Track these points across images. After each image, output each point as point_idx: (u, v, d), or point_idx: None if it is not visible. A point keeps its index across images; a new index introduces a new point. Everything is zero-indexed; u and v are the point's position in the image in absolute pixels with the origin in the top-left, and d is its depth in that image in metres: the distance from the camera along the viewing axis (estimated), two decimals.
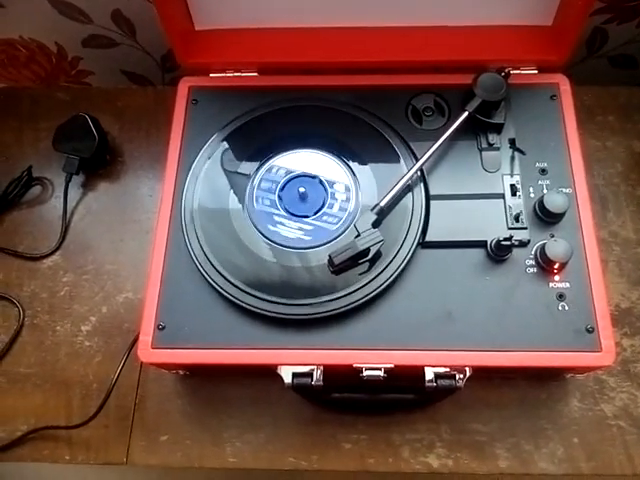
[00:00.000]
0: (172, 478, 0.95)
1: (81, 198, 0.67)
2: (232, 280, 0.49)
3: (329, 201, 0.52)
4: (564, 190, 0.52)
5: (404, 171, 0.51)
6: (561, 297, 0.48)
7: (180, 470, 0.54)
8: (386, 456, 0.54)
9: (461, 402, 0.54)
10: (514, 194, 0.52)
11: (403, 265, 0.49)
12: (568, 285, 0.49)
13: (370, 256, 0.48)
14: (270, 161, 0.54)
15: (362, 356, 0.47)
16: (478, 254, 0.50)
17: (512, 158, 0.53)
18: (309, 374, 0.48)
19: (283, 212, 0.52)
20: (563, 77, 0.57)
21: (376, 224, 0.49)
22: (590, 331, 0.47)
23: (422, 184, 0.52)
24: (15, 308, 0.62)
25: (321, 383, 0.48)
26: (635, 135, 0.66)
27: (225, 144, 0.55)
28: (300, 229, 0.51)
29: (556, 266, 0.48)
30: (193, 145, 0.55)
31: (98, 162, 0.68)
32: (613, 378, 0.56)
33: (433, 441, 0.54)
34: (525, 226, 0.50)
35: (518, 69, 0.57)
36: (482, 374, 0.49)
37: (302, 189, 0.52)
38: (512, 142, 0.54)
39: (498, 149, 0.54)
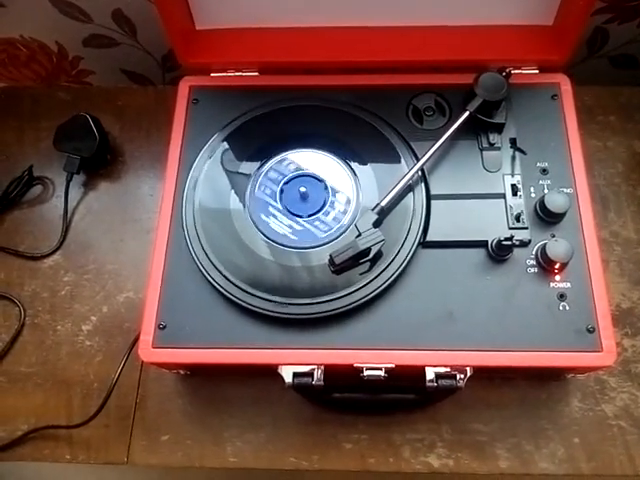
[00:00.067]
0: (173, 478, 0.95)
1: (82, 198, 0.67)
2: (233, 280, 0.49)
3: (326, 208, 0.52)
4: (565, 190, 0.52)
5: (405, 171, 0.51)
6: (562, 297, 0.48)
7: (181, 470, 0.54)
8: (387, 456, 0.54)
9: (462, 402, 0.54)
10: (515, 194, 0.52)
11: (404, 265, 0.49)
12: (569, 285, 0.49)
13: (371, 256, 0.48)
14: (273, 158, 0.54)
15: (363, 356, 0.47)
16: (479, 254, 0.50)
17: (513, 158, 0.53)
18: (310, 374, 0.48)
19: (279, 206, 0.52)
20: (564, 77, 0.57)
21: (377, 224, 0.49)
22: (591, 331, 0.47)
23: (423, 184, 0.52)
24: (16, 307, 0.62)
25: (322, 383, 0.47)
26: (636, 135, 0.66)
27: (226, 144, 0.55)
28: (290, 227, 0.51)
29: (557, 266, 0.48)
30: (194, 145, 0.55)
31: (99, 162, 0.68)
32: (614, 378, 0.56)
33: (434, 441, 0.54)
34: (526, 226, 0.50)
35: (519, 69, 0.57)
36: (483, 374, 0.49)
37: (303, 189, 0.52)
38: (513, 142, 0.54)
39: (499, 149, 0.54)
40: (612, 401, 0.55)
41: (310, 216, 0.52)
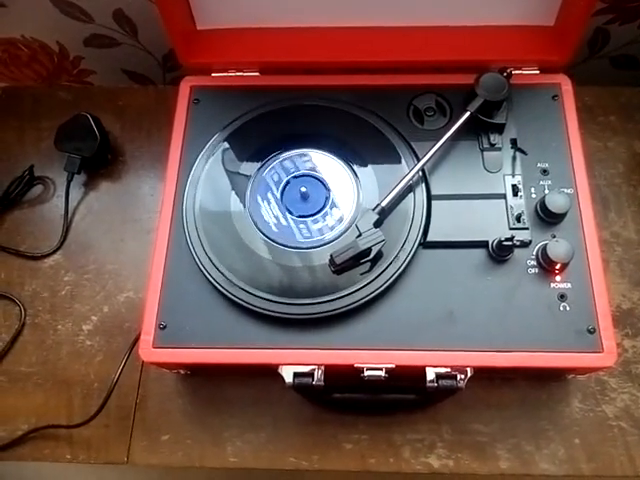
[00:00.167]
0: (173, 478, 0.95)
1: (82, 197, 0.67)
2: (233, 279, 0.49)
3: (317, 217, 0.52)
4: (565, 190, 0.52)
5: (405, 171, 0.51)
6: (562, 297, 0.48)
7: (181, 470, 0.54)
8: (387, 456, 0.54)
9: (462, 402, 0.54)
10: (515, 194, 0.51)
11: (404, 265, 0.49)
12: (569, 285, 0.49)
13: (371, 256, 0.48)
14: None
15: (363, 356, 0.47)
16: (479, 254, 0.50)
17: (514, 158, 0.53)
18: (310, 374, 0.48)
19: (279, 195, 0.52)
20: (565, 77, 0.57)
21: (377, 224, 0.49)
22: (591, 332, 0.47)
23: (423, 184, 0.52)
24: (16, 307, 0.62)
25: (322, 383, 0.47)
26: (636, 135, 0.66)
27: (226, 144, 0.55)
28: (276, 218, 0.51)
29: (557, 266, 0.48)
30: (194, 145, 0.55)
31: (99, 161, 0.68)
32: (614, 379, 0.56)
33: (434, 441, 0.54)
34: (526, 226, 0.50)
35: (520, 69, 0.57)
36: (483, 374, 0.49)
37: (304, 189, 0.52)
38: (514, 142, 0.54)
39: (500, 149, 0.53)
40: (612, 402, 0.55)
41: (300, 217, 0.52)
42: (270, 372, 0.49)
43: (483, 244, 0.50)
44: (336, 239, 0.51)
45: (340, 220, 0.51)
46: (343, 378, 0.48)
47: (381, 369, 0.47)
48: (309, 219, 0.52)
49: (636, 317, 0.58)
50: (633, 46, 0.73)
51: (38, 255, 0.64)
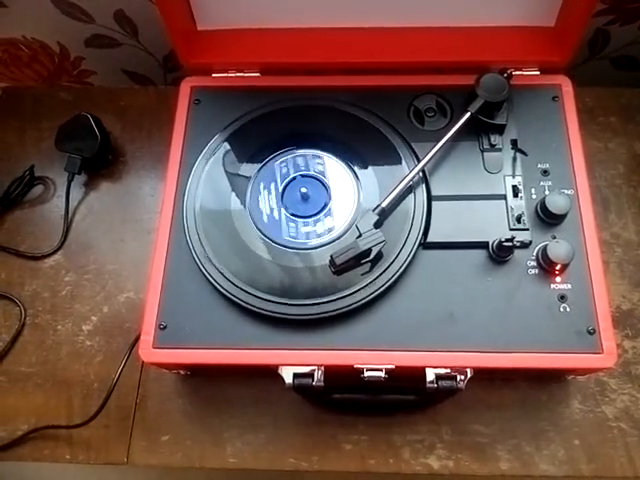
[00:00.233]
0: (172, 478, 0.95)
1: (83, 198, 0.67)
2: (233, 280, 0.49)
3: (309, 220, 0.52)
4: (566, 191, 0.52)
5: (406, 172, 0.51)
6: (562, 298, 0.48)
7: (180, 470, 0.54)
8: (387, 457, 0.54)
9: (462, 403, 0.54)
10: (516, 195, 0.51)
11: (404, 266, 0.49)
12: (569, 286, 0.49)
13: (372, 257, 0.48)
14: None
15: (363, 357, 0.47)
16: (480, 255, 0.50)
17: (514, 159, 0.53)
18: (310, 374, 0.48)
19: (281, 189, 0.53)
20: (565, 78, 0.57)
21: (378, 225, 0.49)
22: (591, 333, 0.47)
23: (424, 185, 0.52)
24: (17, 307, 0.62)
25: (322, 384, 0.47)
26: (637, 136, 0.66)
27: (227, 144, 0.55)
28: (270, 210, 0.52)
29: (558, 267, 0.48)
30: (195, 145, 0.55)
31: (100, 162, 0.68)
32: (614, 380, 0.56)
33: (434, 442, 0.54)
34: (527, 227, 0.50)
35: (520, 70, 0.57)
36: (483, 375, 0.49)
37: (304, 189, 0.52)
38: (514, 143, 0.54)
39: (500, 150, 0.54)
40: (612, 403, 0.55)
41: (294, 215, 0.52)
42: (270, 373, 0.49)
43: (483, 245, 0.50)
44: (336, 240, 0.50)
45: (329, 230, 0.51)
46: (343, 379, 0.48)
47: (381, 370, 0.47)
48: (300, 220, 0.52)
49: (636, 318, 0.58)
50: (633, 47, 0.73)
51: (38, 255, 0.64)
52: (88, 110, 0.66)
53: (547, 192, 0.52)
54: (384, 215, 0.50)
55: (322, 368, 0.48)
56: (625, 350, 0.57)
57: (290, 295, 0.48)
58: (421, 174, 0.52)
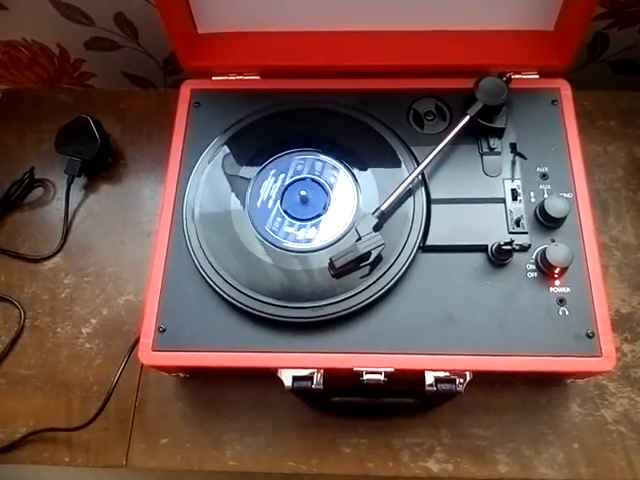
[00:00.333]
0: None
1: (83, 200, 0.67)
2: (233, 283, 0.49)
3: (295, 223, 0.52)
4: (565, 195, 0.52)
5: (405, 175, 0.52)
6: (561, 302, 0.48)
7: (180, 473, 0.53)
8: (386, 460, 0.54)
9: (461, 407, 0.54)
10: (515, 198, 0.52)
11: (404, 269, 0.49)
12: (568, 290, 0.49)
13: (371, 260, 0.48)
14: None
15: (362, 360, 0.47)
16: (479, 258, 0.50)
17: (513, 162, 0.53)
18: (309, 377, 0.48)
19: (287, 182, 0.53)
20: (564, 82, 0.57)
21: (377, 228, 0.49)
22: (590, 336, 0.47)
23: (423, 188, 0.52)
24: (16, 310, 0.62)
25: (321, 387, 0.47)
26: (636, 140, 0.66)
27: (227, 147, 0.55)
28: (268, 197, 0.52)
29: (557, 271, 0.48)
30: (195, 148, 0.55)
31: (100, 164, 0.68)
32: (613, 383, 0.56)
33: (433, 446, 0.54)
34: (526, 231, 0.50)
35: (519, 74, 0.57)
36: (482, 379, 0.49)
37: (304, 192, 0.52)
38: (513, 146, 0.54)
39: (499, 153, 0.54)
40: (612, 406, 0.55)
41: (292, 217, 0.52)
42: (269, 375, 0.49)
43: (482, 248, 0.50)
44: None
45: (308, 241, 0.51)
46: (342, 382, 0.48)
47: (380, 373, 0.47)
48: (288, 219, 0.52)
49: (635, 321, 0.58)
50: (632, 51, 0.74)
51: (38, 258, 0.64)
52: (88, 112, 0.66)
53: (546, 195, 0.52)
54: (383, 218, 0.50)
55: (321, 371, 0.48)
56: (624, 353, 0.57)
57: (289, 298, 0.48)
58: (420, 177, 0.52)
